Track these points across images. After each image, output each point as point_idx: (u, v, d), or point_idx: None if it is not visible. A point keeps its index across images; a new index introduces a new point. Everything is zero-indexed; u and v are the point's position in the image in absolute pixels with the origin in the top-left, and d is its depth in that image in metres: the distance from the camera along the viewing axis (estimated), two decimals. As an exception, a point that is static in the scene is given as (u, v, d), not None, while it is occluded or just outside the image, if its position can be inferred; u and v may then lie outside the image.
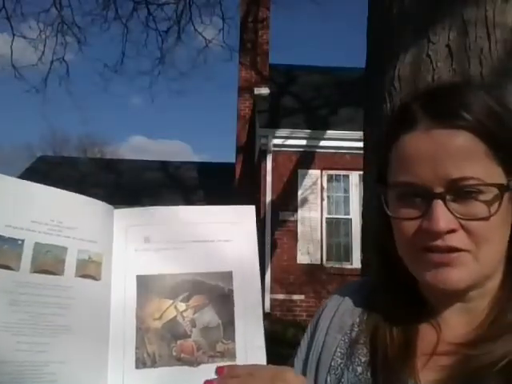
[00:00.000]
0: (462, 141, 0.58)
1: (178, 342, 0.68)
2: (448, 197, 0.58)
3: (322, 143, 9.41)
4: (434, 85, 0.80)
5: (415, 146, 0.60)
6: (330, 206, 9.47)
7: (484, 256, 0.58)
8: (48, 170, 13.48)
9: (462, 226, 0.58)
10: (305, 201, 9.40)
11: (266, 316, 8.53)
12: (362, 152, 1.99)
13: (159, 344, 0.68)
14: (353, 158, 8.57)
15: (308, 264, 9.16)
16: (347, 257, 9.27)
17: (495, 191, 0.57)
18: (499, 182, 0.58)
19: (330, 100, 10.20)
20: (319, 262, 9.21)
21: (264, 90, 10.83)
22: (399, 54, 1.50)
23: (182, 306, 0.69)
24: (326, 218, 9.42)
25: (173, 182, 13.53)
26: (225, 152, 64.85)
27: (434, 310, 0.67)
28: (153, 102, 44.47)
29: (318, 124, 9.64)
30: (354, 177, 9.39)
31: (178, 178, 14.27)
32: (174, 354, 0.67)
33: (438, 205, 0.57)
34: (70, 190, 0.73)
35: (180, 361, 0.67)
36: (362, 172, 2.01)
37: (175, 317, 0.69)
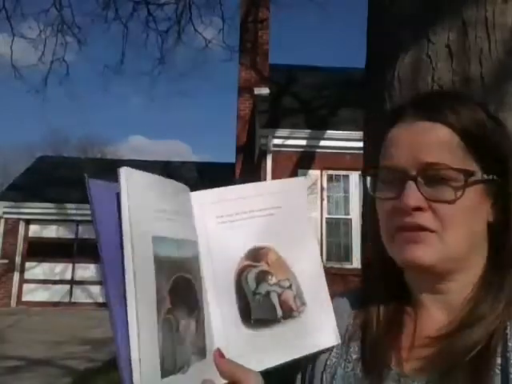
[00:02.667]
0: (439, 133, 0.64)
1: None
2: (420, 179, 0.63)
3: (322, 143, 9.41)
4: (430, 90, 0.85)
5: (399, 134, 0.67)
6: (329, 206, 9.47)
7: (449, 238, 0.63)
8: (48, 170, 13.48)
9: (431, 207, 0.63)
10: (305, 201, 9.40)
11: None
12: (361, 152, 1.99)
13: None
14: (353, 157, 8.57)
15: (308, 264, 9.15)
16: (347, 257, 9.27)
17: (462, 177, 0.62)
18: (466, 168, 0.63)
19: (330, 100, 10.20)
20: (319, 262, 9.21)
21: (264, 90, 10.83)
22: (399, 54, 1.50)
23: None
24: (326, 218, 9.42)
25: (173, 182, 13.50)
26: (225, 152, 64.93)
27: (418, 302, 0.70)
28: (153, 102, 44.48)
29: (318, 124, 9.64)
30: (354, 177, 9.40)
31: (178, 177, 14.14)
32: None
33: (410, 185, 0.63)
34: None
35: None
36: (361, 172, 2.00)
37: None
